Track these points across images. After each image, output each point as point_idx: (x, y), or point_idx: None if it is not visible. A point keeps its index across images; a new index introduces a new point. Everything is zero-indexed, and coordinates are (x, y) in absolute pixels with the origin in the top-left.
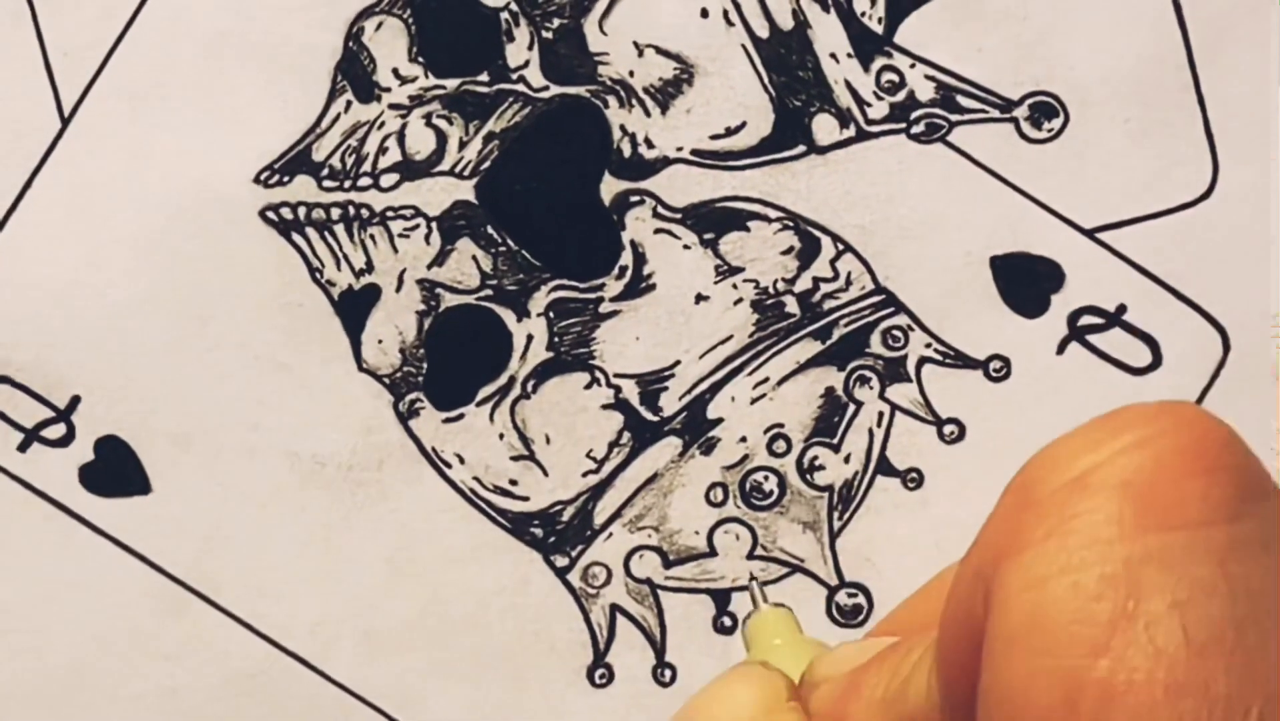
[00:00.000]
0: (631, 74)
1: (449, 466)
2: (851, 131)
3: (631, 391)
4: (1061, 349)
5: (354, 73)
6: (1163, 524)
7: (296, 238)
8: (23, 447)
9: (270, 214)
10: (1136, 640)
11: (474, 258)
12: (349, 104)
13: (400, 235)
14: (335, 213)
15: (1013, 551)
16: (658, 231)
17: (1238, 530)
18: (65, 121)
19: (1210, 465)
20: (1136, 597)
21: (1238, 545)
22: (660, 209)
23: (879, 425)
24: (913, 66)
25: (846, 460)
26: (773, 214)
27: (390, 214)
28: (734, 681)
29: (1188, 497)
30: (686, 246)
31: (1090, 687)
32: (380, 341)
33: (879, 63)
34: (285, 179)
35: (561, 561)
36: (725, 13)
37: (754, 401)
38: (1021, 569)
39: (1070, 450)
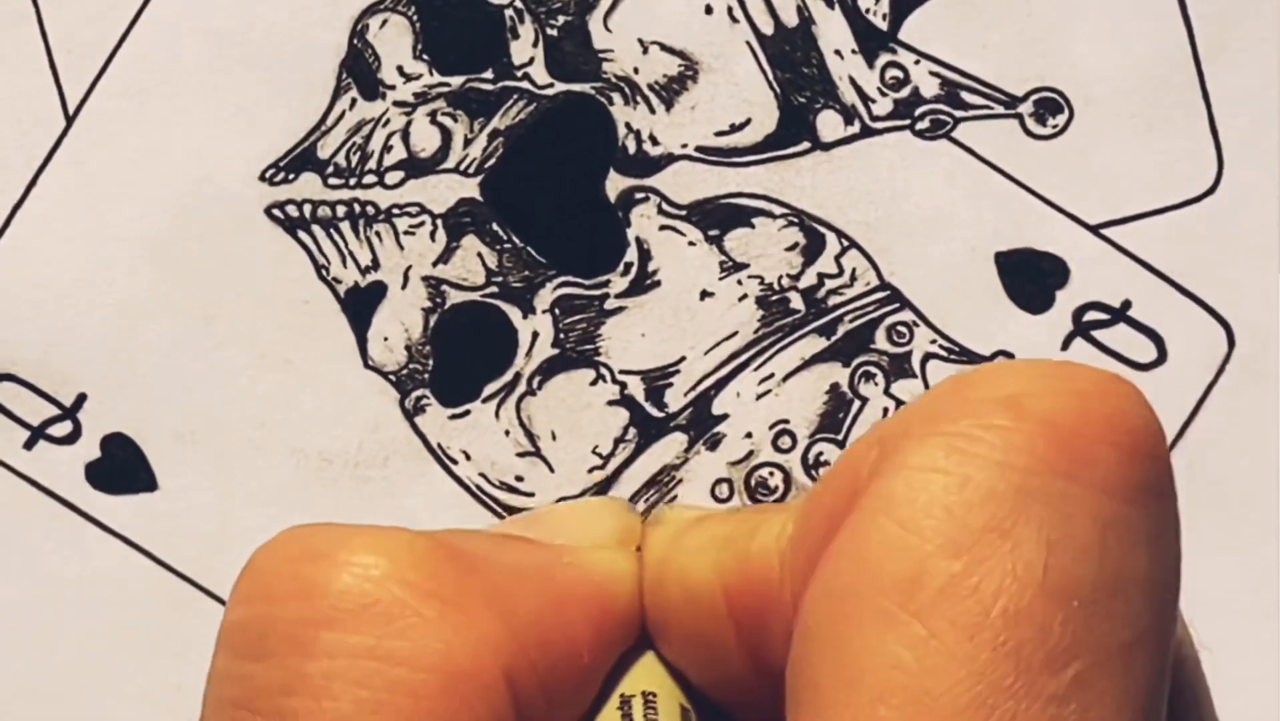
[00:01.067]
0: (636, 71)
1: (455, 463)
2: (856, 128)
3: (637, 387)
4: (1066, 345)
5: (359, 70)
6: (1067, 472)
7: (302, 235)
8: (29, 445)
9: (276, 211)
10: (997, 555)
11: (479, 254)
12: (354, 101)
13: (406, 232)
14: (341, 210)
15: (921, 432)
16: (663, 228)
17: (1130, 512)
18: (70, 120)
19: (1135, 445)
20: (1014, 520)
21: (1125, 525)
22: (665, 206)
23: (884, 421)
24: (917, 63)
25: None
26: (777, 210)
27: (396, 211)
28: (600, 506)
29: (1101, 461)
30: (691, 243)
31: (935, 577)
32: (386, 338)
33: (883, 59)
34: (290, 176)
35: None
36: (730, 9)
37: (759, 397)
38: (922, 449)
39: (1019, 372)
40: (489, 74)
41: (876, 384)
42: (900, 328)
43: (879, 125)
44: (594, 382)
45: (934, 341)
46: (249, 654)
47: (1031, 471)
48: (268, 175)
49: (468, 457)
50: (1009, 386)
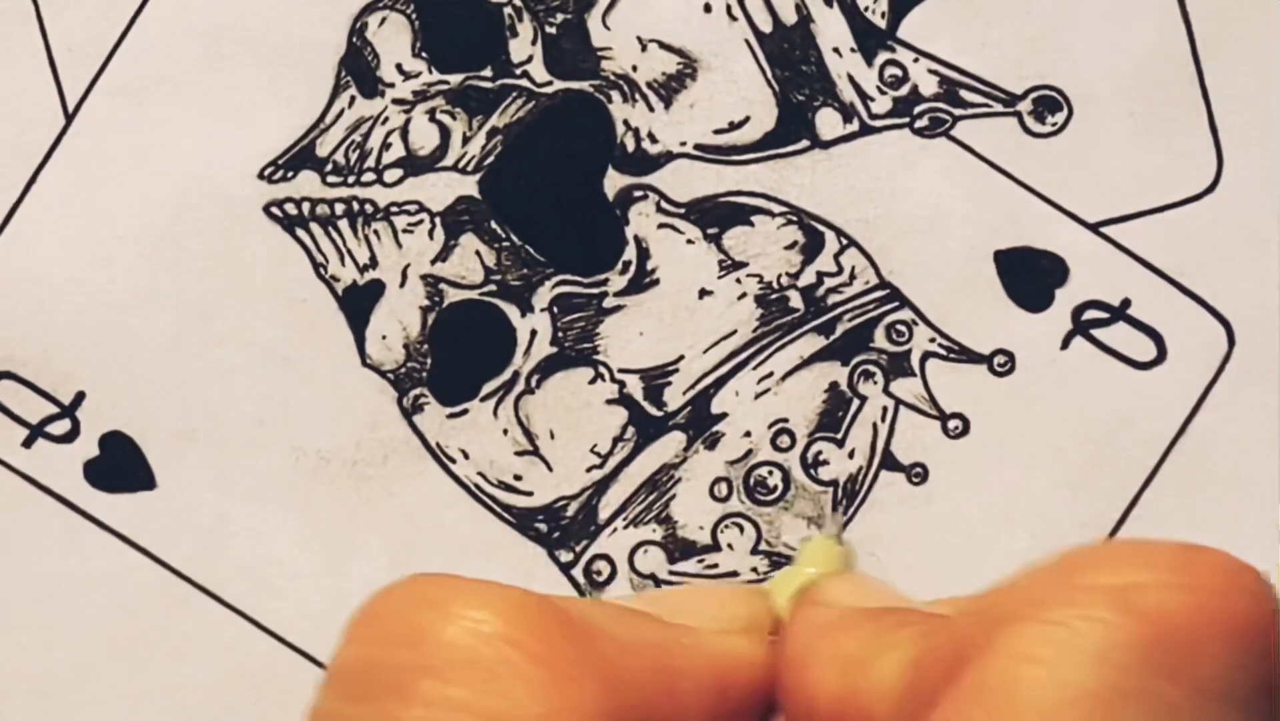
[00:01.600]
0: (635, 69)
1: (453, 462)
2: (855, 126)
3: (636, 386)
4: (1066, 343)
5: (358, 68)
6: (1171, 673)
7: (300, 233)
8: (28, 443)
9: (274, 209)
10: None
11: (478, 253)
12: (353, 99)
13: (404, 230)
14: (339, 208)
15: (1025, 616)
16: (661, 226)
17: (1234, 715)
18: (69, 118)
19: (1249, 646)
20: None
21: None
22: (664, 204)
23: (883, 420)
24: (916, 61)
25: (851, 455)
26: (776, 209)
27: (394, 209)
28: (732, 593)
29: (1210, 661)
30: (690, 241)
31: None
32: (384, 337)
33: (882, 57)
34: (289, 174)
35: (566, 556)
36: (728, 7)
37: (758, 396)
38: (1021, 635)
39: (1133, 558)
40: (488, 72)
41: (875, 382)
42: (899, 326)
43: (878, 123)
44: (592, 381)
45: (933, 340)
46: (352, 695)
47: (1132, 670)
48: (266, 173)
49: (466, 456)
50: (1120, 575)
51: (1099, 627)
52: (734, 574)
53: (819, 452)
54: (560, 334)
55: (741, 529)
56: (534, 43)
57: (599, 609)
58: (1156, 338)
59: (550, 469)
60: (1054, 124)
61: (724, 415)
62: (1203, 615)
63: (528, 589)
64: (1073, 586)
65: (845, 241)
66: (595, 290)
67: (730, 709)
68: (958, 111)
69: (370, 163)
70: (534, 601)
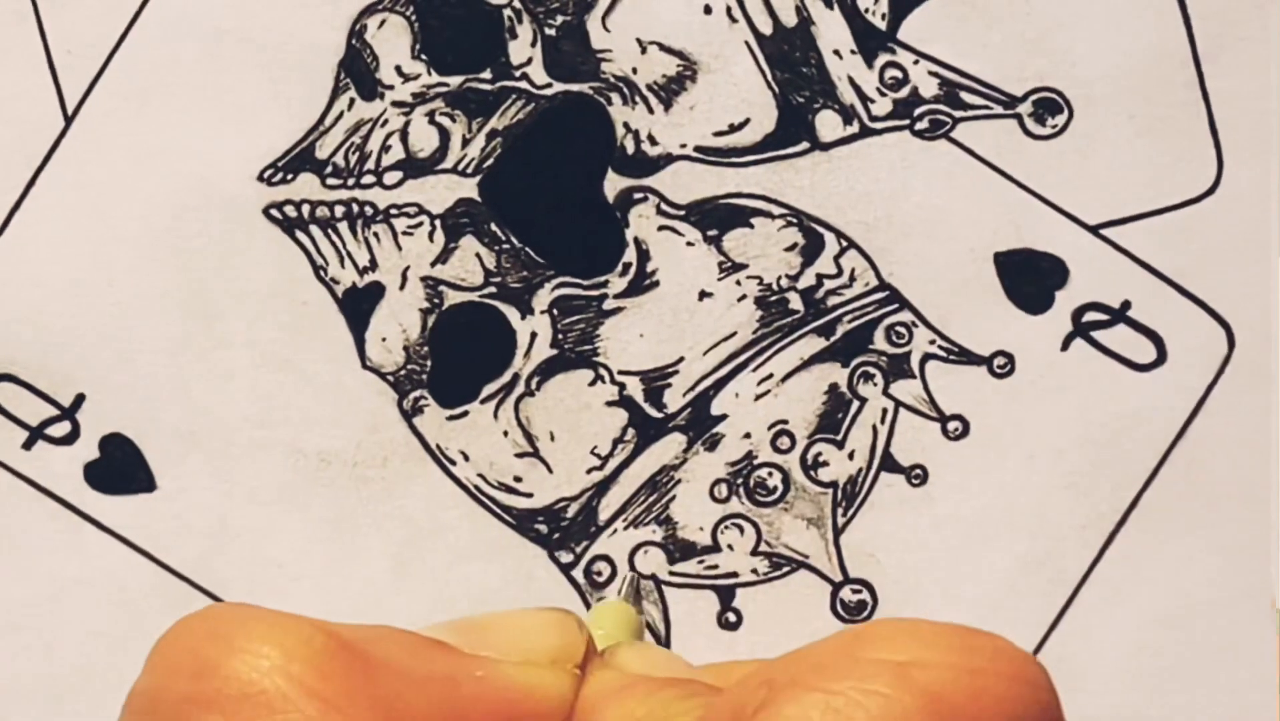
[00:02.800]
0: (635, 71)
1: (453, 464)
2: (855, 128)
3: (636, 388)
4: (1066, 345)
5: (357, 70)
6: None
7: (300, 235)
8: (27, 445)
9: (274, 212)
10: None
11: (477, 255)
12: (352, 101)
13: (404, 233)
14: (339, 210)
15: (807, 684)
16: (661, 228)
17: None
18: (69, 120)
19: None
20: None
21: None
22: (664, 206)
23: (883, 421)
24: (916, 63)
25: (850, 456)
26: (776, 210)
27: (394, 211)
28: (545, 621)
29: None
30: (690, 243)
31: None
32: (384, 339)
33: (882, 59)
34: (289, 177)
35: (566, 558)
36: (728, 9)
37: (758, 398)
38: (801, 701)
39: (916, 636)
40: (487, 74)
41: (875, 384)
42: (899, 328)
43: (878, 125)
44: (593, 383)
45: (933, 342)
46: None
47: None
48: (266, 175)
49: (466, 458)
50: (901, 651)
51: (877, 700)
52: (734, 574)
53: (819, 454)
54: (560, 336)
55: (742, 530)
56: (533, 45)
57: (394, 641)
58: (1157, 340)
59: (550, 470)
60: (1054, 126)
61: (724, 416)
62: (981, 698)
63: (321, 622)
64: (856, 659)
65: (845, 243)
66: (595, 292)
67: None
68: (958, 113)
69: (370, 165)
70: (321, 637)
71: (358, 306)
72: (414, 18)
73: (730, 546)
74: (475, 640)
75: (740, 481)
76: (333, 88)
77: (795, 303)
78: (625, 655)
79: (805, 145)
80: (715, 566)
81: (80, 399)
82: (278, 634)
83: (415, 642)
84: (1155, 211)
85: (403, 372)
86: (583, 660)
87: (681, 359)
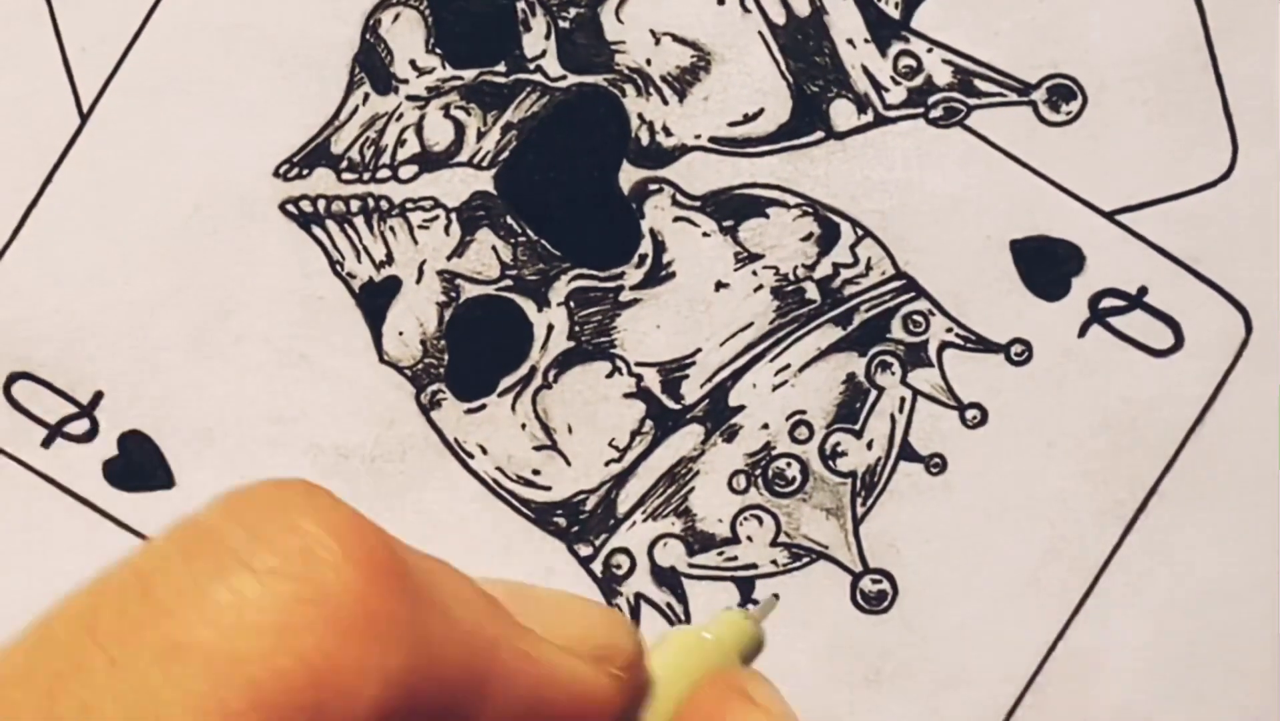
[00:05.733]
0: (649, 62)
1: (471, 457)
2: (869, 117)
3: (653, 380)
4: (1083, 332)
5: (371, 65)
6: None
7: (316, 230)
8: (47, 443)
9: (290, 207)
10: None
11: (494, 248)
12: (367, 96)
13: (420, 226)
14: (355, 205)
15: None
16: (677, 219)
17: None
18: (84, 118)
19: None
20: None
21: None
22: (679, 197)
23: (901, 410)
24: (930, 51)
25: (869, 446)
26: (792, 200)
27: (410, 205)
28: (595, 613)
29: None
30: (706, 234)
31: None
32: (401, 333)
33: (896, 47)
34: (304, 172)
35: (585, 550)
36: (742, 0)
37: (775, 388)
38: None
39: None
40: (501, 67)
41: (893, 373)
42: (916, 316)
43: (892, 114)
44: (610, 375)
45: (950, 330)
46: (186, 550)
47: None
48: (282, 171)
49: (484, 451)
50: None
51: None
52: (753, 566)
53: (837, 444)
54: (577, 328)
55: (761, 521)
56: (547, 37)
57: (450, 582)
58: (1173, 325)
59: (569, 463)
60: (1068, 113)
61: (742, 407)
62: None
63: (390, 537)
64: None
65: (861, 232)
66: (611, 284)
67: None
68: (972, 101)
69: (385, 159)
70: (383, 551)
71: (374, 301)
72: (428, 12)
73: (749, 538)
74: (523, 609)
75: (759, 472)
76: (347, 82)
77: (812, 292)
78: (764, 693)
79: (820, 134)
80: (735, 558)
81: (99, 396)
82: (345, 531)
83: (470, 592)
84: (1171, 197)
85: (420, 366)
86: (628, 665)
87: (699, 350)
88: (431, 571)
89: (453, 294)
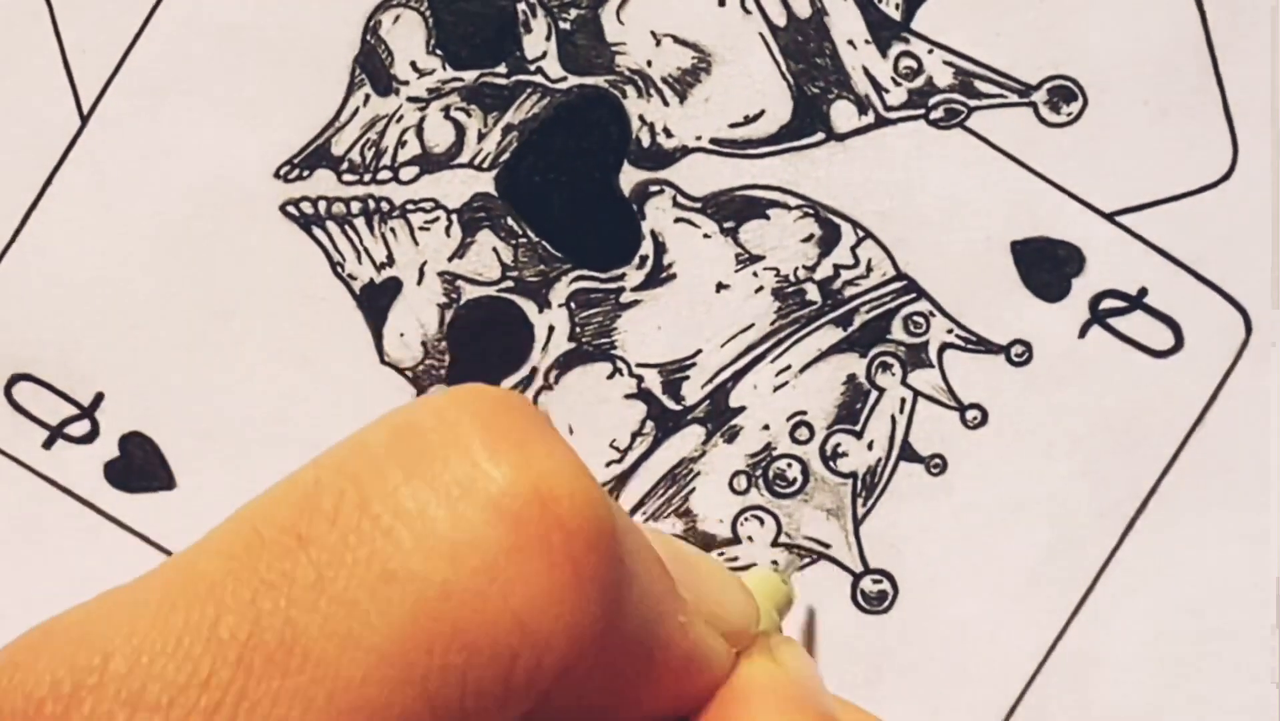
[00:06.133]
0: (649, 63)
1: None
2: (870, 118)
3: (654, 381)
4: (1083, 332)
5: (372, 66)
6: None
7: (317, 232)
8: (47, 445)
9: (290, 208)
10: None
11: (494, 249)
12: (367, 97)
13: (420, 228)
14: (355, 206)
15: None
16: (678, 221)
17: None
18: (84, 119)
19: None
20: None
21: None
22: (680, 198)
23: (901, 411)
24: (930, 52)
25: (870, 446)
26: (792, 201)
27: (410, 207)
28: (739, 590)
29: None
30: (707, 235)
31: None
32: (402, 335)
33: (897, 49)
34: (305, 173)
35: None
36: (742, 0)
37: (776, 389)
38: None
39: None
40: (502, 68)
41: (893, 374)
42: (917, 318)
43: (893, 115)
44: (611, 376)
45: (950, 331)
46: (346, 469)
47: None
48: (282, 172)
49: None
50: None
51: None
52: (754, 566)
53: (838, 445)
54: (578, 329)
55: (761, 521)
56: (548, 39)
57: (643, 548)
58: (1174, 326)
59: None
60: (1069, 114)
61: (742, 408)
62: None
63: (601, 488)
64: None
65: (862, 233)
66: (612, 285)
67: (669, 707)
68: (973, 102)
69: (386, 160)
70: (604, 508)
71: (375, 302)
72: (428, 13)
73: (750, 538)
74: (680, 576)
75: (759, 473)
76: (348, 84)
77: (812, 293)
78: (788, 652)
79: (821, 136)
80: (735, 558)
81: (99, 397)
82: (574, 482)
83: (654, 558)
84: (1171, 198)
85: (421, 368)
86: (746, 649)
87: (699, 351)
88: (631, 535)
89: (453, 295)
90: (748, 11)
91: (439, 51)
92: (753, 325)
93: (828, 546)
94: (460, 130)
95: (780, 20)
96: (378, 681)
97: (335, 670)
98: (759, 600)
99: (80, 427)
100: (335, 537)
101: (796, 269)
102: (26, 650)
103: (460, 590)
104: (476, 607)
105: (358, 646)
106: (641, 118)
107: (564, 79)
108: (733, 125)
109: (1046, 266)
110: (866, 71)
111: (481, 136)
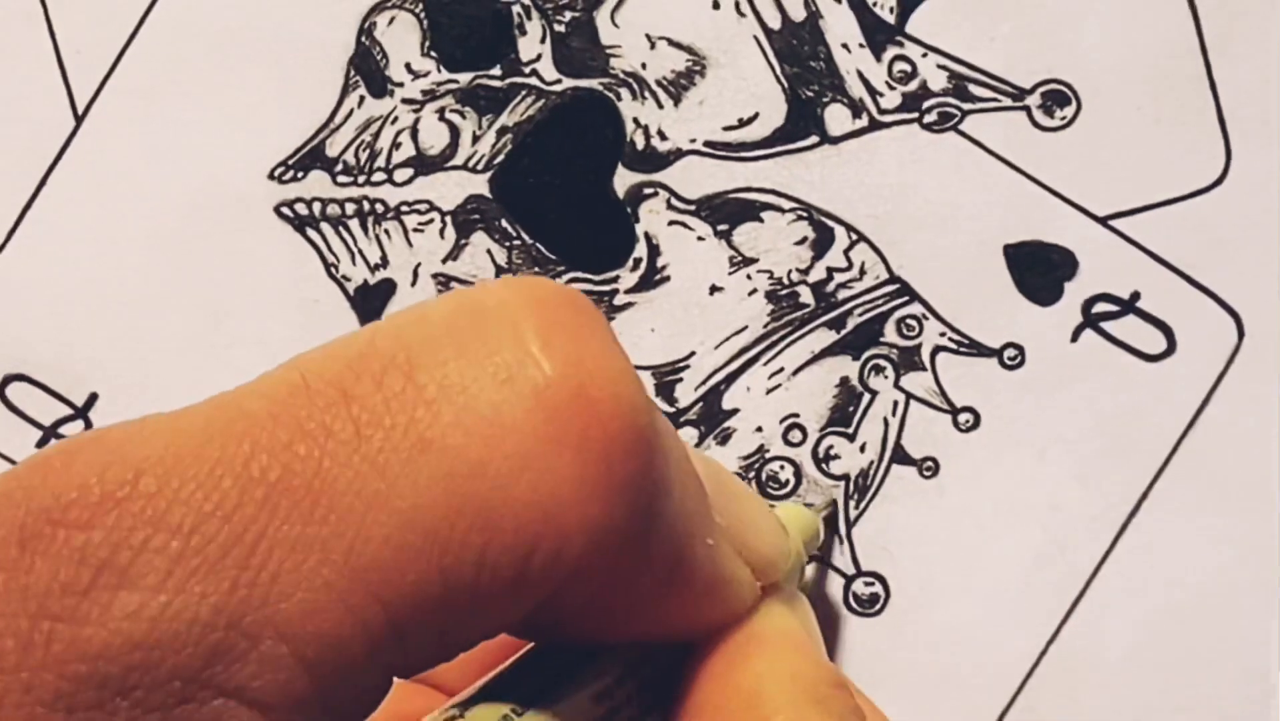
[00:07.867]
0: (644, 66)
1: None
2: (864, 121)
3: (647, 383)
4: (1076, 336)
5: (367, 68)
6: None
7: (311, 233)
8: (42, 445)
9: (285, 210)
10: None
11: (488, 251)
12: (362, 99)
13: (415, 230)
14: (350, 208)
15: None
16: (671, 223)
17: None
18: (79, 120)
19: None
20: None
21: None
22: (674, 201)
23: (894, 414)
24: (925, 56)
25: (862, 449)
26: (786, 205)
27: (404, 208)
28: (776, 526)
29: None
30: (700, 238)
31: None
32: None
33: (891, 52)
34: (299, 175)
35: None
36: (737, 4)
37: (769, 391)
38: None
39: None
40: (497, 71)
41: (886, 377)
42: (910, 321)
43: (887, 118)
44: None
45: (943, 334)
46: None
47: None
48: (277, 173)
49: None
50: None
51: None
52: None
53: (830, 447)
54: None
55: None
56: (543, 41)
57: (683, 460)
58: (1166, 330)
59: None
60: (1063, 118)
61: (735, 410)
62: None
63: (654, 408)
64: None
65: (855, 237)
66: (606, 288)
67: (679, 629)
68: (966, 106)
69: (380, 162)
70: (649, 415)
71: (369, 304)
72: (423, 15)
73: None
74: (717, 500)
75: (752, 475)
76: (342, 85)
77: (806, 296)
78: (805, 613)
79: (814, 139)
80: None
81: (93, 398)
82: (623, 382)
83: (692, 473)
84: (1164, 202)
85: None
86: (773, 584)
87: (693, 353)
88: (673, 448)
89: None
90: (742, 15)
91: (434, 53)
92: (746, 328)
93: (819, 549)
94: (455, 132)
95: (775, 23)
96: (396, 545)
97: (358, 527)
98: (791, 530)
99: (74, 428)
100: (378, 399)
101: (790, 272)
102: (64, 453)
103: (492, 471)
104: (504, 490)
105: (383, 508)
106: (636, 120)
107: (559, 81)
108: (727, 128)
109: (1039, 270)
110: (861, 75)
111: (476, 138)
